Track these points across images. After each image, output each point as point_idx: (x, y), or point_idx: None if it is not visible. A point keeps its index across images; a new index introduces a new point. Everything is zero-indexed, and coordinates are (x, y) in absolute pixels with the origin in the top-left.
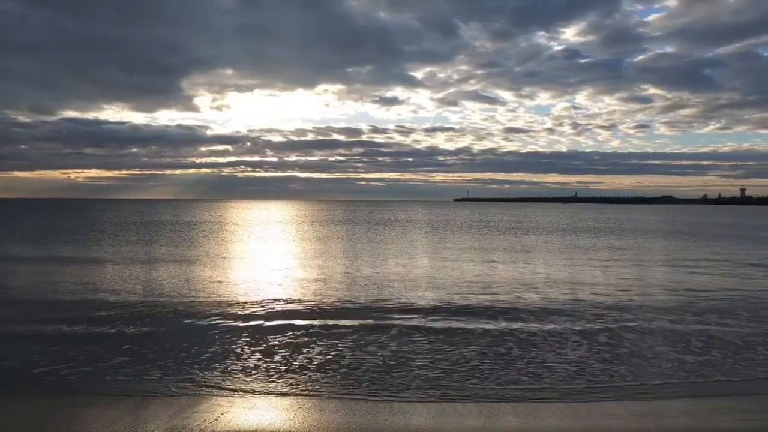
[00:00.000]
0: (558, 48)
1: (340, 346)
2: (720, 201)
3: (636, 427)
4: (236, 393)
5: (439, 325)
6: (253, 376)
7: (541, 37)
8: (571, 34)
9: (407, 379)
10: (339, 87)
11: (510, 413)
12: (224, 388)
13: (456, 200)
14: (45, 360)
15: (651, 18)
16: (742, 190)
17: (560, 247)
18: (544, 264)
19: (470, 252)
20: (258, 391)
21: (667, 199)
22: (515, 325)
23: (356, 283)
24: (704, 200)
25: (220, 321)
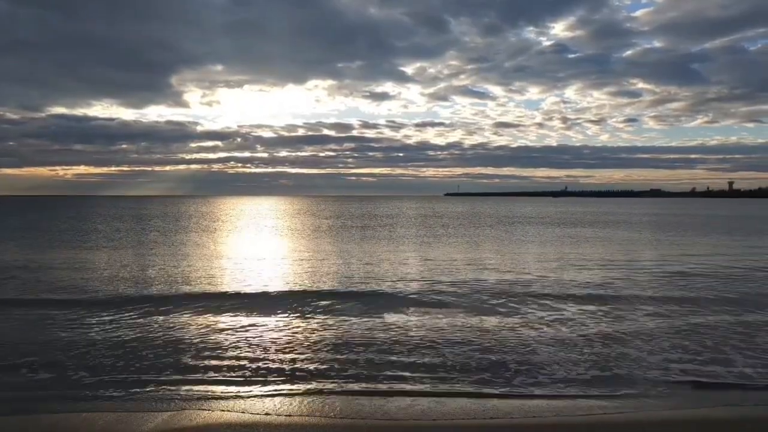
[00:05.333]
0: (547, 43)
1: (333, 340)
2: (708, 194)
3: (624, 420)
4: (228, 388)
5: (427, 318)
6: (245, 373)
7: (530, 32)
8: (559, 29)
9: (401, 373)
10: (329, 82)
11: (501, 408)
12: (217, 385)
13: (446, 195)
14: (29, 366)
15: (639, 13)
16: (730, 184)
17: (551, 239)
18: (531, 256)
19: (461, 246)
20: (250, 383)
21: (655, 193)
22: (499, 320)
23: (346, 276)
24: (693, 193)
25: (208, 320)
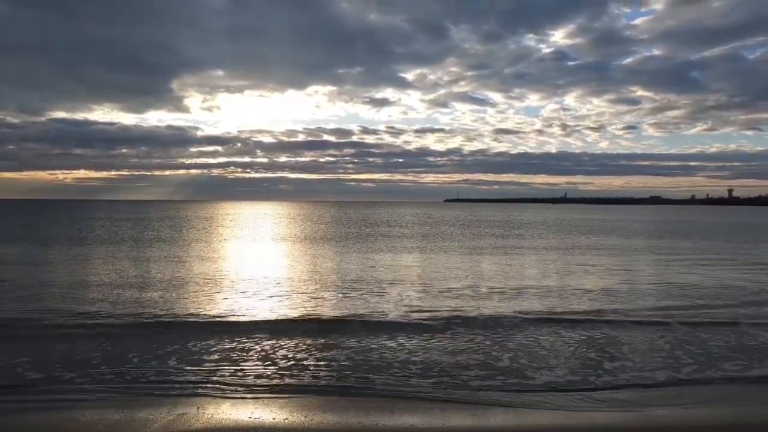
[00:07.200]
0: (547, 50)
1: (330, 345)
2: (708, 201)
3: (620, 422)
4: (228, 393)
5: (428, 323)
6: (245, 379)
7: (530, 40)
8: (559, 36)
9: (400, 378)
10: (329, 88)
11: (499, 413)
12: (217, 390)
13: (446, 201)
14: (28, 364)
15: (638, 21)
16: (730, 191)
17: (548, 247)
18: (528, 264)
19: (459, 257)
20: (249, 390)
21: (655, 200)
22: (493, 325)
23: (346, 283)
24: (692, 201)
25: (208, 330)
